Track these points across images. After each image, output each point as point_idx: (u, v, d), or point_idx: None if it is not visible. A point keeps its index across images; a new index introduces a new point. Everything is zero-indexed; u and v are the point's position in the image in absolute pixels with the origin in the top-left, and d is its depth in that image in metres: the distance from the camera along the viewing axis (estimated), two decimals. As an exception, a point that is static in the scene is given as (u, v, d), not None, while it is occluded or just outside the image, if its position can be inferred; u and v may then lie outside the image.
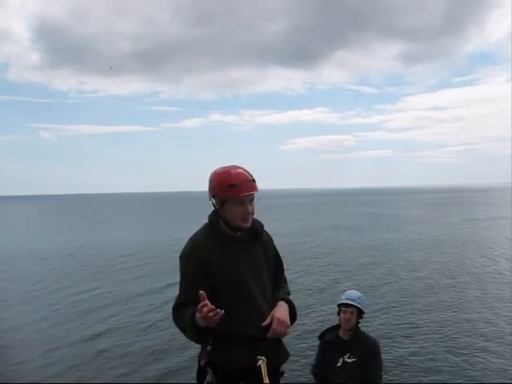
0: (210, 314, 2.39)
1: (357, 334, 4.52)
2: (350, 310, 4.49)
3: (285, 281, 3.08)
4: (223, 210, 2.79)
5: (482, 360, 9.85)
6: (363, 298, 4.64)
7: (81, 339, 12.08)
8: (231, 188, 2.74)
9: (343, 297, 4.60)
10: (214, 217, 2.85)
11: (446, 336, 11.44)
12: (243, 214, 2.77)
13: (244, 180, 2.78)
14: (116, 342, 11.78)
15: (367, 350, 4.42)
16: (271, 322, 2.71)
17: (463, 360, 9.91)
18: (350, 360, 4.40)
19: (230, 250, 2.78)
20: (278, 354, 2.83)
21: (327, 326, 4.90)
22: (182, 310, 2.63)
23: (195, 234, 2.86)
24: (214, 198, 2.83)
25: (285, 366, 2.89)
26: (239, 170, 2.82)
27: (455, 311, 13.61)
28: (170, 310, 2.76)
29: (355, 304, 4.49)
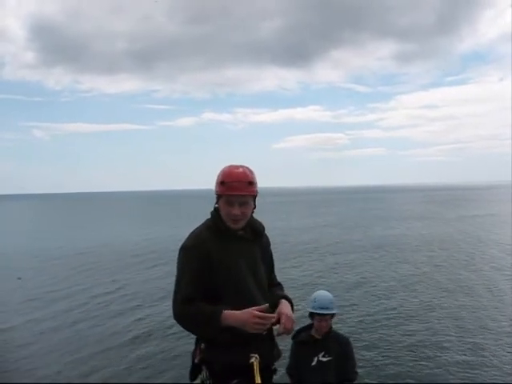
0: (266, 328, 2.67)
1: (329, 332, 4.50)
2: (325, 318, 4.43)
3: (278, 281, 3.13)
4: (219, 205, 2.81)
5: (479, 359, 9.85)
6: (334, 299, 4.56)
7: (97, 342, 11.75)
8: (221, 185, 2.75)
9: (315, 304, 4.44)
10: (216, 212, 2.84)
11: (440, 331, 11.42)
12: (229, 215, 2.75)
13: (235, 180, 2.72)
14: (136, 344, 11.51)
15: (341, 349, 4.44)
16: (279, 318, 2.72)
17: (461, 358, 9.90)
18: (324, 359, 4.40)
19: (230, 246, 2.77)
20: (270, 351, 2.83)
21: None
22: (196, 304, 2.62)
23: (197, 228, 2.84)
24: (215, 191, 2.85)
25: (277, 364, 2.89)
26: (236, 170, 2.77)
27: (449, 307, 13.61)
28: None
29: (330, 312, 4.45)
